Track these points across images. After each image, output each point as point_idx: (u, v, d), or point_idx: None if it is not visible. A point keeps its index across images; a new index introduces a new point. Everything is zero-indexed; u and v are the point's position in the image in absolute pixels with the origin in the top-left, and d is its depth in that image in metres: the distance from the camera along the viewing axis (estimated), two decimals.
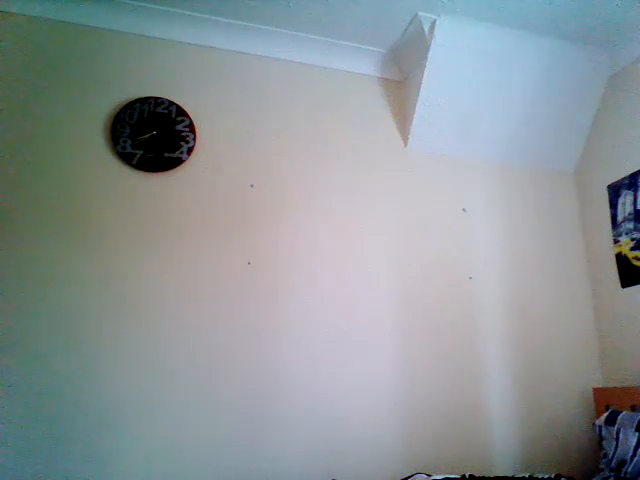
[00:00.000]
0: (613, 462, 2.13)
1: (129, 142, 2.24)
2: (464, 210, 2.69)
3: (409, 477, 1.99)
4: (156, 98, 2.31)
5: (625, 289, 2.57)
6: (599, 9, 2.39)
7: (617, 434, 2.14)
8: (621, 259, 2.60)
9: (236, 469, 2.08)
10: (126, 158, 2.23)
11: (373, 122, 2.65)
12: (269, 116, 2.49)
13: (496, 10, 2.39)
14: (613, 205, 2.67)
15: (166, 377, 2.09)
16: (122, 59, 2.34)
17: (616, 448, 2.13)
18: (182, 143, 2.30)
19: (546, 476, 1.90)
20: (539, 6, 2.37)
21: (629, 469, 2.02)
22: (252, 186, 2.38)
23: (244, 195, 2.37)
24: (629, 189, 2.59)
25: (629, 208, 2.58)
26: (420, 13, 2.40)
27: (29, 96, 2.19)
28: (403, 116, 2.68)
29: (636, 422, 2.09)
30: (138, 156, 2.24)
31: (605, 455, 2.21)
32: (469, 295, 2.58)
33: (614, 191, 2.67)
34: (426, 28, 2.43)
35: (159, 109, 2.30)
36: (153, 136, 2.27)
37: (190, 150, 2.31)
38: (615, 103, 2.74)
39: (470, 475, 1.89)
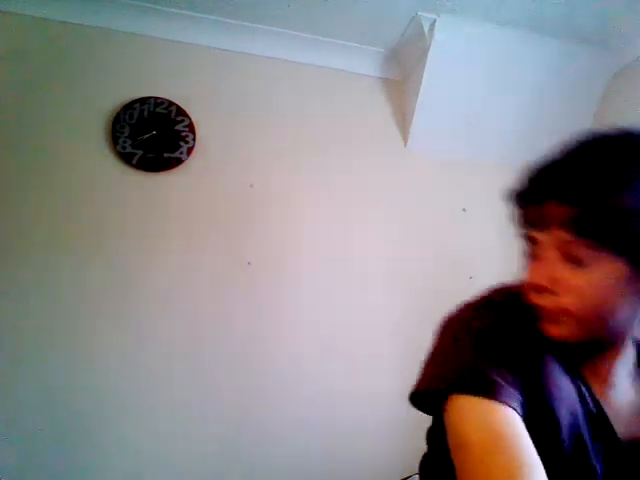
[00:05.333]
0: None
1: (129, 142, 2.24)
2: (464, 210, 2.68)
3: (408, 478, 1.98)
4: (156, 98, 2.31)
5: None
6: (599, 9, 2.38)
7: None
8: None
9: (230, 472, 2.09)
10: (126, 158, 2.24)
11: (373, 122, 2.64)
12: (269, 116, 2.49)
13: (496, 10, 2.38)
14: None
15: (161, 377, 2.10)
16: (122, 59, 2.34)
17: None
18: (182, 143, 2.30)
19: None
20: (539, 6, 2.36)
21: None
22: (252, 186, 2.39)
23: (244, 195, 2.37)
24: None
25: None
26: (420, 13, 2.39)
27: (28, 96, 2.19)
28: (403, 116, 2.67)
29: None
30: (138, 156, 2.24)
31: None
32: (469, 295, 2.57)
33: None
34: (426, 28, 2.42)
35: (159, 109, 2.31)
36: (153, 136, 2.27)
37: (190, 150, 2.31)
38: (616, 103, 2.73)
39: None
